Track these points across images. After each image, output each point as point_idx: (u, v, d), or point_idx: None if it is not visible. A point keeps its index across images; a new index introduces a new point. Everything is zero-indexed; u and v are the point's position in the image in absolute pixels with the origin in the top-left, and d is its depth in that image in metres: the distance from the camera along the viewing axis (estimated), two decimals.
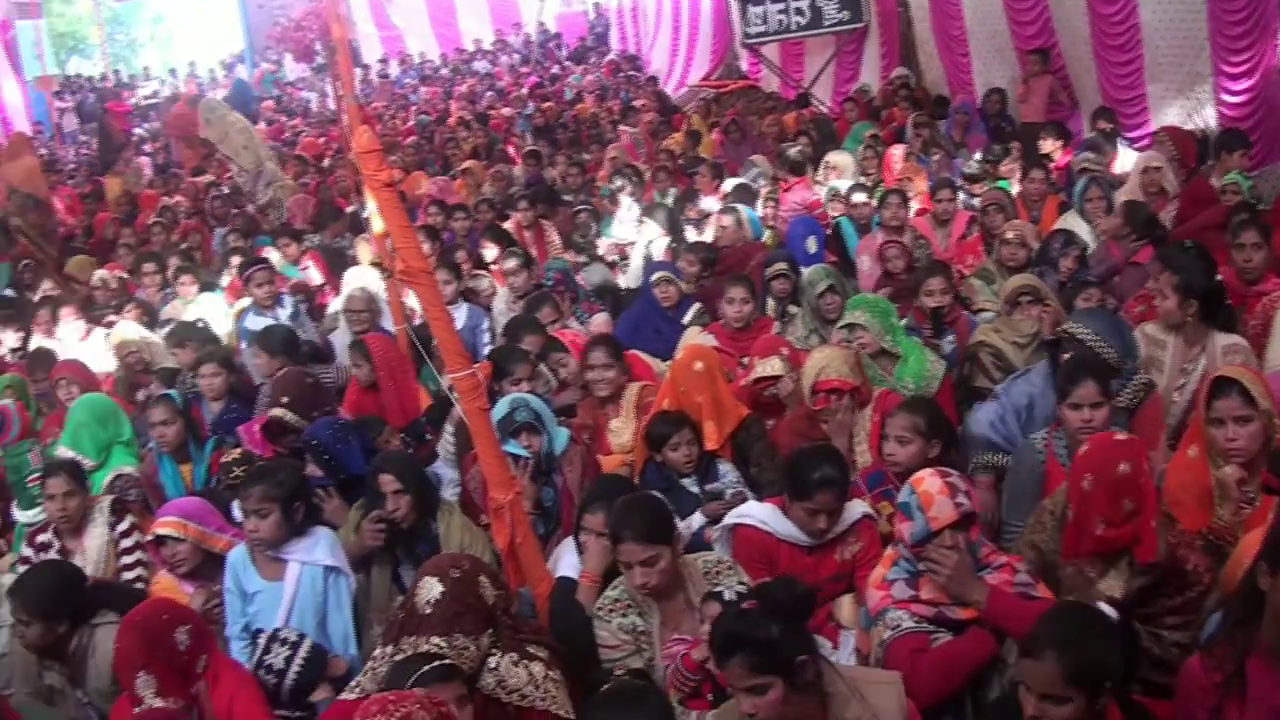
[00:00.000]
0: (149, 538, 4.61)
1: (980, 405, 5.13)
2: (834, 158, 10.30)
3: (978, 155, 9.96)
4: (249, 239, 10.25)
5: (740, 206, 8.77)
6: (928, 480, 3.55)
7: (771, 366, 5.29)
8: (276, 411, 5.35)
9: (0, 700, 3.67)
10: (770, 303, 6.81)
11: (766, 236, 8.94)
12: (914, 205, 8.65)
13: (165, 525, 4.54)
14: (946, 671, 3.41)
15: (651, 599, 3.69)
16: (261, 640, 4.00)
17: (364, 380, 6.08)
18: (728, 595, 3.52)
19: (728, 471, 4.82)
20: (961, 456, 4.87)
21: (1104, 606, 3.29)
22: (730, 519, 4.25)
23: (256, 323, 7.40)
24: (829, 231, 8.37)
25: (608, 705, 3.05)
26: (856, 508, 4.15)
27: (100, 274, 9.99)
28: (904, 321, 5.84)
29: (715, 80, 18.56)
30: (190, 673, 3.57)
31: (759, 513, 4.16)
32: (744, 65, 18.23)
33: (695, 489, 4.74)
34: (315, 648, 3.95)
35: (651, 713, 2.99)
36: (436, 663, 3.25)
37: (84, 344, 7.95)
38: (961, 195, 8.54)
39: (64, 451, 5.56)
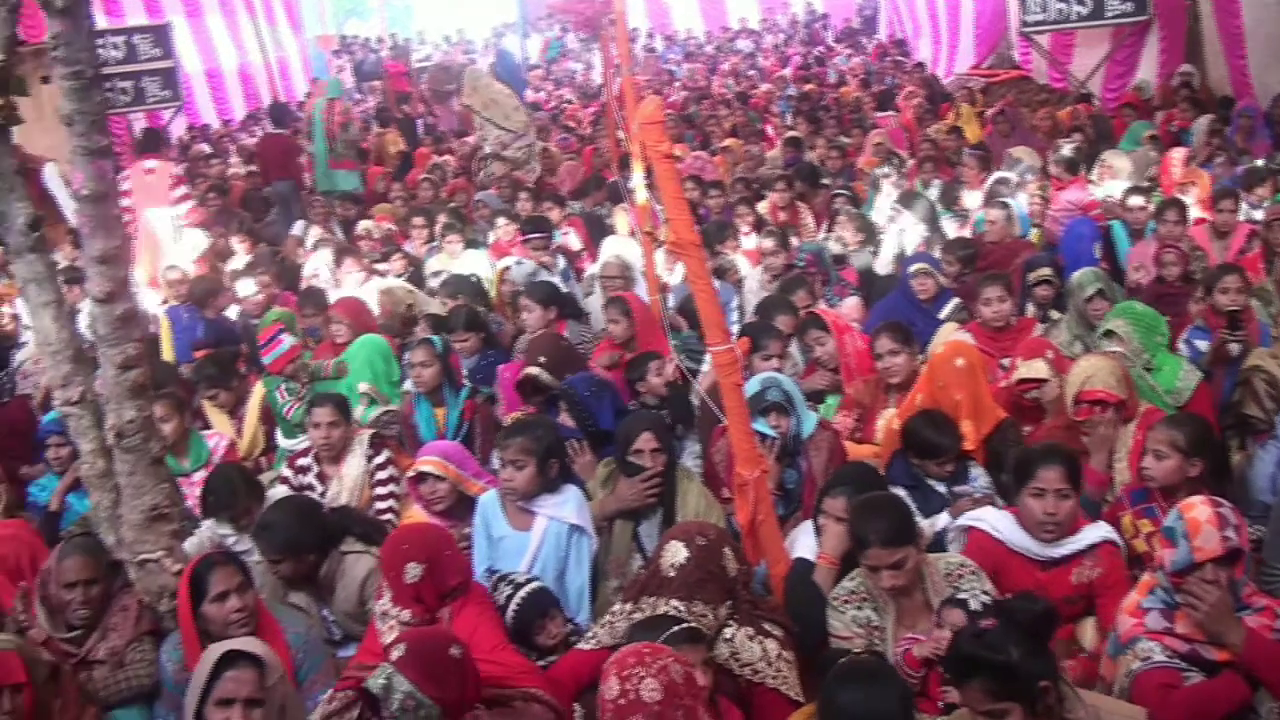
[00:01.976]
0: (411, 473, 4.82)
1: (1263, 450, 4.81)
2: (1111, 158, 9.84)
3: (1260, 162, 9.33)
4: (513, 201, 10.58)
5: (1011, 202, 8.50)
6: (1198, 507, 3.38)
7: (1036, 369, 5.13)
8: (532, 370, 5.53)
9: (257, 599, 3.95)
10: (1030, 307, 6.59)
11: (1032, 235, 8.64)
12: (1192, 213, 8.18)
13: (428, 463, 4.76)
14: (1195, 713, 3.24)
15: (888, 595, 3.65)
16: (492, 579, 4.16)
17: (620, 336, 6.13)
18: (973, 604, 3.42)
19: (978, 475, 4.69)
20: (1230, 494, 4.58)
21: None
22: (965, 519, 4.16)
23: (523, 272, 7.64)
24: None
25: (847, 680, 3.00)
26: (1097, 530, 3.98)
27: (366, 224, 10.53)
28: (1195, 323, 5.59)
29: (986, 69, 18.00)
30: (424, 601, 3.75)
31: (994, 518, 4.05)
32: (1016, 55, 17.61)
33: (942, 489, 4.63)
34: (539, 590, 4.03)
35: (891, 691, 2.95)
36: (685, 625, 3.30)
37: (360, 290, 8.41)
38: (1243, 205, 8.02)
39: (363, 385, 5.89)
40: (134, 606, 4.11)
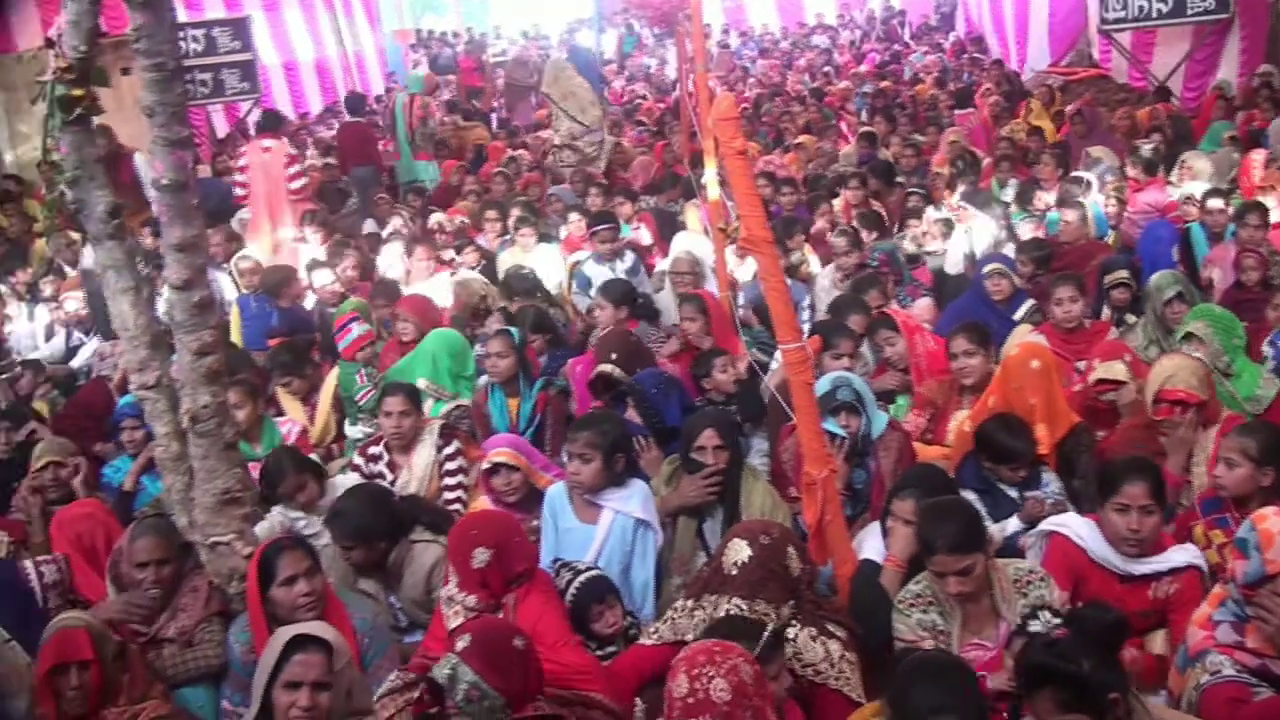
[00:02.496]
0: (485, 465, 4.84)
1: None
2: (1191, 159, 9.63)
3: None
4: (585, 195, 10.61)
5: (1087, 202, 8.35)
6: (1271, 519, 3.31)
7: (1114, 370, 5.05)
8: (605, 367, 5.54)
9: (325, 584, 3.99)
10: (1106, 310, 6.47)
11: (1109, 236, 8.48)
12: (1274, 216, 7.97)
13: (503, 455, 4.79)
14: None
15: (954, 600, 3.60)
16: (554, 565, 4.18)
17: (696, 334, 6.13)
18: (1037, 627, 3.26)
19: (1050, 480, 4.60)
20: None
21: None
22: (1048, 525, 4.07)
23: (595, 270, 7.69)
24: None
25: (917, 675, 2.96)
26: (1183, 553, 3.89)
27: (438, 217, 10.61)
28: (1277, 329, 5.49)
29: (1064, 67, 17.70)
30: (490, 587, 3.78)
31: (1078, 526, 3.96)
32: (1095, 53, 17.31)
33: (1014, 493, 4.56)
34: (597, 577, 4.03)
35: (962, 689, 2.90)
36: (769, 631, 3.28)
37: (429, 282, 8.48)
38: None
39: (422, 381, 5.95)
40: (204, 587, 4.18)
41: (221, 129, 16.86)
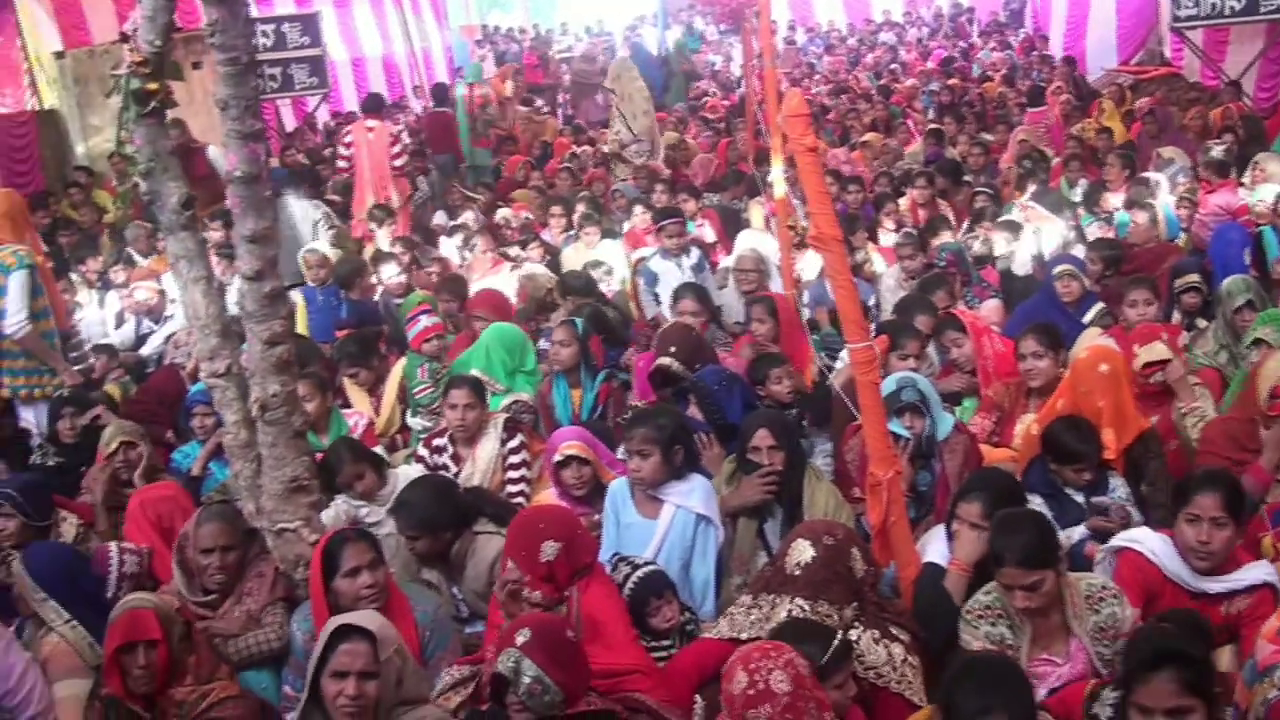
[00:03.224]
0: (557, 458, 4.83)
1: None
2: (1264, 161, 9.40)
3: None
4: (649, 192, 10.61)
5: (1158, 204, 8.20)
6: None
7: (1156, 350, 5.02)
8: (664, 360, 5.53)
9: (388, 576, 4.03)
10: (1175, 314, 6.35)
11: (1180, 239, 8.33)
12: None
13: (574, 448, 4.80)
14: None
15: (1024, 614, 3.53)
16: (612, 560, 4.17)
17: (765, 337, 6.11)
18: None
19: (1118, 486, 4.50)
20: None
21: None
22: (1119, 540, 3.98)
23: (661, 266, 7.68)
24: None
25: (967, 676, 2.95)
26: (1257, 570, 3.79)
27: (504, 212, 10.67)
28: None
29: (1135, 65, 17.41)
30: (555, 580, 3.78)
31: (1151, 541, 3.88)
32: (1167, 51, 17.01)
33: (1080, 498, 4.47)
34: (654, 572, 4.01)
35: (1014, 694, 2.87)
36: (839, 639, 3.27)
37: (491, 274, 8.53)
38: None
39: (476, 372, 5.98)
40: (269, 573, 4.24)
41: (290, 123, 17.09)
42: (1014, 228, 8.33)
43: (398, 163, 11.04)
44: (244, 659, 4.06)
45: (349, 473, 4.95)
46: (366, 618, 3.39)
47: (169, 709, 3.65)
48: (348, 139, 11.56)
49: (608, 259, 8.46)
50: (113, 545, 4.54)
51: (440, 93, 14.92)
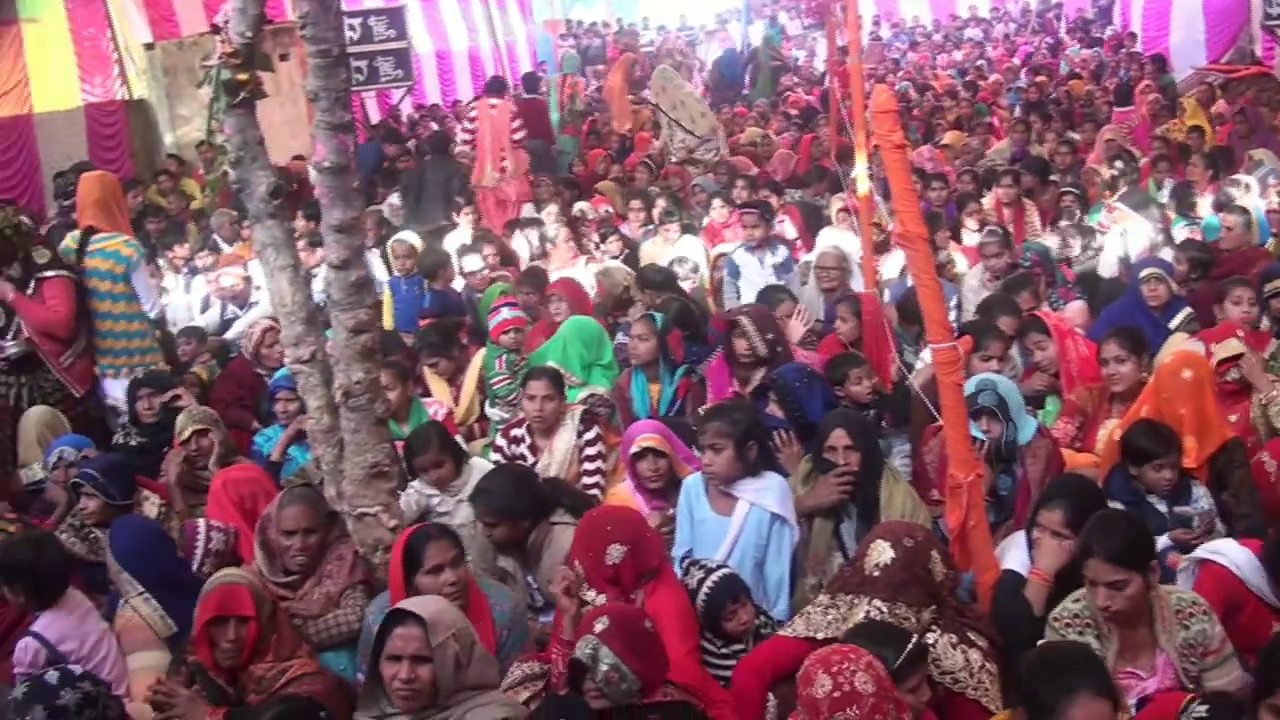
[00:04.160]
0: (634, 449, 4.83)
1: None
2: None
3: None
4: (730, 187, 10.57)
5: (1252, 206, 7.99)
6: None
7: (1231, 346, 4.96)
8: (742, 319, 5.59)
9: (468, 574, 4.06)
10: (1265, 321, 6.18)
11: (1270, 243, 8.11)
12: None
13: (651, 440, 4.79)
14: None
15: (1112, 624, 3.46)
16: (684, 564, 4.16)
17: (847, 337, 6.07)
18: None
19: (1201, 496, 4.41)
20: None
21: None
22: (1202, 552, 3.91)
23: (744, 259, 7.65)
24: None
25: (1046, 664, 2.97)
26: None
27: (582, 206, 10.70)
28: None
29: (1225, 64, 16.99)
30: (621, 583, 3.80)
31: (1235, 555, 3.80)
32: (1258, 49, 16.58)
33: (1162, 508, 4.38)
34: (730, 576, 3.98)
35: (1096, 674, 2.90)
36: (914, 642, 3.25)
37: (571, 267, 8.56)
38: None
39: (552, 364, 6.02)
40: (349, 556, 4.30)
41: (374, 115, 17.30)
42: (1088, 231, 8.16)
43: (516, 136, 11.95)
44: (323, 640, 4.12)
45: (430, 458, 4.98)
46: (421, 603, 3.42)
47: (249, 684, 3.72)
48: (472, 114, 12.63)
49: (688, 254, 8.44)
50: (202, 522, 4.66)
51: (531, 81, 15.49)
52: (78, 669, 3.38)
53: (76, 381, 6.33)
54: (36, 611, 4.12)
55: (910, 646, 3.20)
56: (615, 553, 3.78)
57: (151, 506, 5.10)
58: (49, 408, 6.24)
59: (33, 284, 6.21)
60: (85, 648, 4.02)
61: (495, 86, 13.18)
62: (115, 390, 6.57)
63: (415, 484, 5.03)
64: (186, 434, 5.53)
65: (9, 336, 6.33)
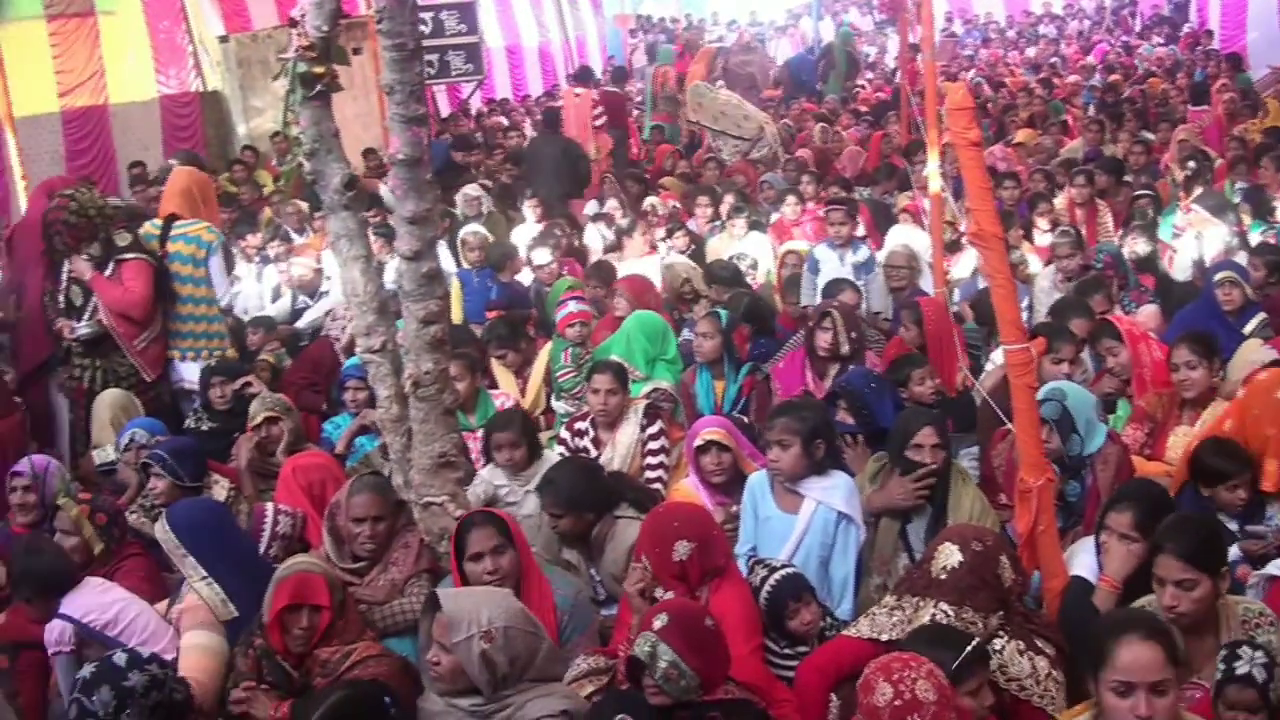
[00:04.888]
0: (698, 442, 4.81)
1: None
2: None
3: None
4: (797, 183, 10.51)
5: None
6: None
7: None
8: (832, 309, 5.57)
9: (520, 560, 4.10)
10: None
11: None
12: None
13: (715, 434, 4.77)
14: None
15: (1176, 628, 3.39)
16: (749, 562, 4.15)
17: (911, 343, 6.05)
18: (1243, 668, 3.09)
19: (1275, 514, 4.29)
20: None
21: None
22: (1273, 568, 3.83)
23: (825, 256, 7.58)
24: None
25: (1105, 618, 3.04)
26: None
27: (651, 200, 10.71)
28: None
29: None
30: (688, 580, 3.79)
31: None
32: None
33: (1234, 525, 4.26)
34: (793, 575, 3.95)
35: (1147, 622, 2.90)
36: (974, 644, 3.22)
37: (645, 259, 8.57)
38: None
39: (616, 358, 6.03)
40: (415, 544, 4.35)
41: (444, 109, 17.44)
42: (1154, 234, 8.00)
43: (597, 123, 13.14)
44: (387, 626, 4.17)
45: (510, 436, 5.02)
46: (454, 596, 3.51)
47: (314, 667, 3.76)
48: (559, 102, 14.13)
49: (751, 251, 8.41)
50: (269, 506, 4.73)
51: (619, 74, 16.66)
52: (145, 651, 3.43)
53: (149, 365, 6.44)
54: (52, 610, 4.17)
55: (969, 649, 3.16)
56: (682, 549, 3.77)
57: (220, 490, 5.19)
58: (123, 391, 6.36)
59: (112, 265, 6.31)
60: (108, 615, 4.06)
61: (582, 75, 14.46)
62: (189, 373, 6.69)
63: (483, 472, 5.06)
64: (258, 419, 5.62)
65: (85, 317, 6.46)
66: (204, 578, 4.11)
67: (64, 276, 6.41)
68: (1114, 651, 2.85)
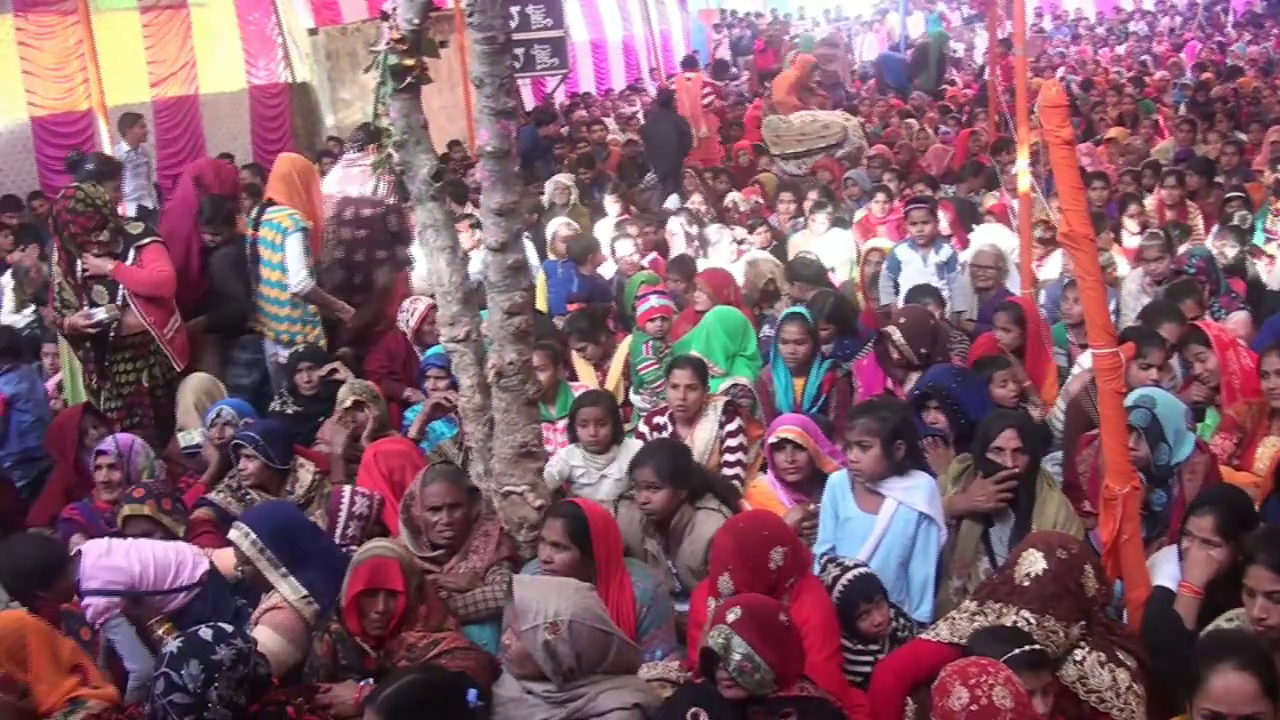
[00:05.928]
0: (772, 440, 4.83)
1: None
2: None
3: None
4: (880, 180, 10.43)
5: None
6: None
7: None
8: (890, 329, 5.54)
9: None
10: None
11: None
12: None
13: (790, 432, 4.77)
14: None
15: (1262, 634, 3.31)
16: (822, 560, 4.13)
17: (1009, 346, 5.93)
18: None
19: None
20: None
21: None
22: None
23: (907, 255, 7.50)
24: None
25: (1206, 640, 3.03)
26: None
27: (733, 196, 10.69)
28: None
29: None
30: (778, 587, 3.75)
31: None
32: None
33: None
34: (865, 575, 3.92)
35: (1246, 652, 2.85)
36: (1028, 647, 3.19)
37: (728, 260, 8.56)
38: None
39: (695, 353, 6.03)
40: (495, 533, 4.39)
41: (529, 102, 17.56)
42: (1242, 236, 7.80)
43: (704, 103, 14.39)
44: (469, 614, 4.21)
45: (597, 414, 5.06)
46: (530, 584, 3.60)
47: (398, 650, 3.81)
48: (672, 86, 15.08)
49: (835, 249, 8.35)
50: (346, 487, 4.81)
51: (721, 69, 18.04)
52: (229, 627, 3.45)
53: (178, 354, 6.46)
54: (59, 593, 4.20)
55: (1025, 648, 3.15)
56: (778, 555, 3.76)
57: (306, 474, 5.28)
58: (208, 375, 6.45)
59: (132, 253, 6.35)
60: (133, 572, 4.08)
61: (689, 62, 16.01)
62: (283, 357, 6.77)
63: (561, 452, 5.10)
64: (346, 404, 5.71)
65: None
66: (284, 575, 4.13)
67: (78, 273, 6.37)
68: (1208, 679, 2.81)
